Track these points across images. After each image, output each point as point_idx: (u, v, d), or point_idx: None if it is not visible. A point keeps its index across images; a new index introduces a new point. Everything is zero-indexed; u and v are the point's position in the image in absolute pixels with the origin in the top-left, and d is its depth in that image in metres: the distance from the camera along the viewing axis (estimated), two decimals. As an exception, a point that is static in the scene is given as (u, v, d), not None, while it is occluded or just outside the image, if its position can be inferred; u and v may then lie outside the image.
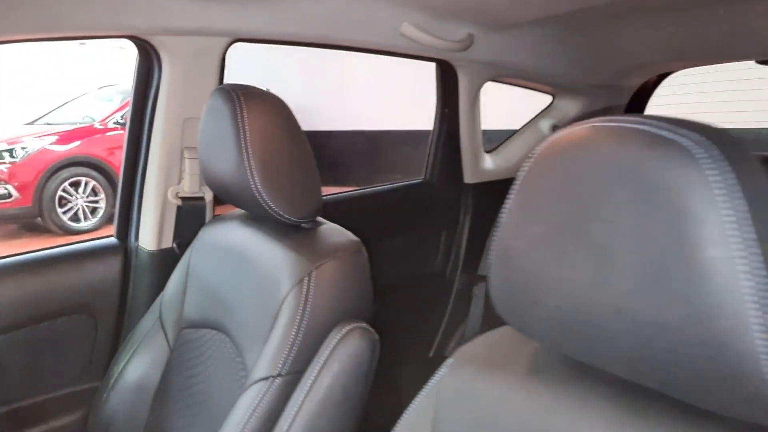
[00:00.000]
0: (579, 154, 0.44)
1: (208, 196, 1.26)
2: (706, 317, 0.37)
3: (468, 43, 1.42)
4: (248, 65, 7.09)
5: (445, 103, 1.69)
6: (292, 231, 0.96)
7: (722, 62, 1.77)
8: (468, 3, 1.30)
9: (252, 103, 0.91)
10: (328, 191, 1.65)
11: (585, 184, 0.43)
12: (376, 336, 0.86)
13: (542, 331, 0.49)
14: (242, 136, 0.89)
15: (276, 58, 7.14)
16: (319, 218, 1.01)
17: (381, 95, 6.72)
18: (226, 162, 0.92)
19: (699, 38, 1.51)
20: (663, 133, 0.40)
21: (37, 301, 1.16)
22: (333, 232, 0.97)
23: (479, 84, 1.67)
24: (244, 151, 0.89)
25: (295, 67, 7.12)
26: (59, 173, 5.33)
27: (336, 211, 1.34)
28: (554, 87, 1.89)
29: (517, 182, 0.49)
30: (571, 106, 1.92)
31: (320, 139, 7.50)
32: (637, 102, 1.96)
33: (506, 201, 0.50)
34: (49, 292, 1.18)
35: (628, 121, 0.43)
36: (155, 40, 1.12)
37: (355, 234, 0.97)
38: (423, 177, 1.77)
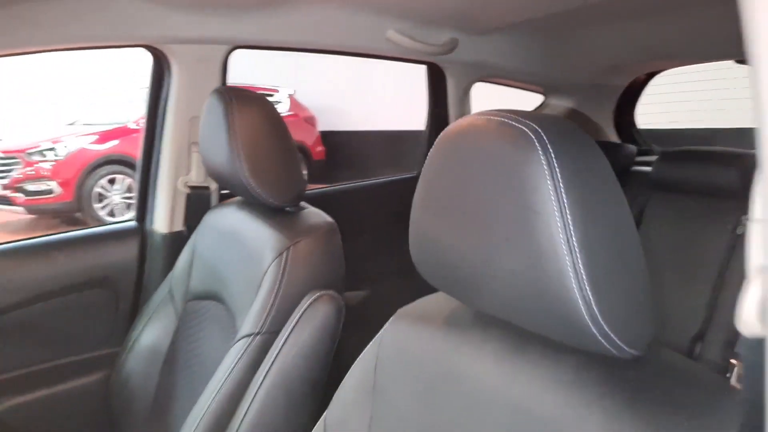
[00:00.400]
0: (459, 142, 0.57)
1: (213, 185, 1.42)
2: (538, 263, 0.48)
3: (450, 46, 1.55)
4: (277, 69, 7.31)
5: (435, 103, 1.81)
6: (277, 214, 1.10)
7: (704, 62, 1.85)
8: (448, 11, 1.42)
9: (242, 104, 1.06)
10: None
11: (463, 165, 0.56)
12: (342, 302, 0.99)
13: (449, 286, 0.61)
14: (232, 132, 1.04)
15: (303, 62, 7.35)
16: (303, 204, 1.16)
17: (404, 96, 6.83)
18: (220, 154, 1.07)
19: (678, 39, 1.59)
20: (513, 123, 0.52)
21: (66, 275, 1.34)
22: (312, 214, 1.12)
23: (467, 84, 1.78)
24: (234, 144, 1.04)
25: (321, 70, 7.31)
26: (97, 170, 5.65)
27: (334, 202, 1.48)
28: (543, 87, 1.99)
29: (424, 166, 0.62)
30: (560, 105, 2.02)
31: (344, 139, 7.70)
32: (627, 100, 2.04)
33: (418, 183, 0.63)
34: (77, 267, 1.36)
35: (494, 114, 0.55)
36: (165, 48, 1.29)
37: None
38: (416, 172, 1.90)
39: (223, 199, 1.45)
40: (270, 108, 1.10)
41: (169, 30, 1.23)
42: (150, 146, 1.42)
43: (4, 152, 5.77)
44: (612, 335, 0.47)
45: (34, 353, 1.32)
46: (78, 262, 1.37)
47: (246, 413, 0.92)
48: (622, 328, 0.48)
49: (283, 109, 7.15)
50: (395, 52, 1.53)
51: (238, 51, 1.37)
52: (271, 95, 6.94)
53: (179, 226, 1.41)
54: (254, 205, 1.15)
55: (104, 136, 5.83)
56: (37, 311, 1.31)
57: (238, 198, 1.23)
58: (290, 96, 7.29)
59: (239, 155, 1.04)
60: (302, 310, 0.96)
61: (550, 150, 0.48)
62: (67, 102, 7.68)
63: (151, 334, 1.26)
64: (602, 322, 0.47)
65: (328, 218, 1.10)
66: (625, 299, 0.48)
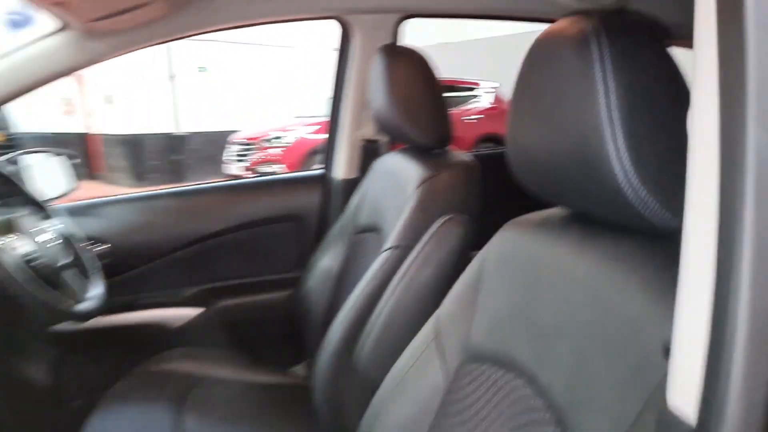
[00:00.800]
0: (537, 44, 0.65)
1: (383, 139, 1.63)
2: (585, 142, 0.55)
3: (621, 3, 1.52)
4: (485, 65, 7.47)
5: None
6: (425, 155, 1.26)
7: None
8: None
9: (398, 58, 1.23)
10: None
11: (538, 64, 0.64)
12: (470, 225, 1.10)
13: (532, 182, 0.70)
14: (389, 82, 1.22)
15: (508, 58, 7.38)
16: (449, 148, 1.29)
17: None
18: (381, 102, 1.25)
19: None
20: (577, 19, 0.59)
21: (269, 209, 1.68)
22: (455, 155, 1.25)
23: None
24: (390, 92, 1.21)
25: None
26: (315, 156, 6.46)
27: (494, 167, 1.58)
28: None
29: (517, 75, 0.71)
30: None
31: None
32: None
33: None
34: (276, 204, 1.69)
35: (567, 19, 0.62)
36: (349, 18, 1.53)
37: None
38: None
39: None
40: (422, 61, 1.26)
41: (352, 2, 1.47)
42: (336, 106, 1.69)
43: (248, 139, 6.92)
44: (651, 203, 0.52)
45: (243, 268, 1.68)
46: (277, 200, 1.70)
47: (382, 311, 1.09)
48: (664, 198, 0.52)
49: (484, 102, 7.30)
50: (562, 14, 1.56)
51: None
52: (471, 88, 7.15)
53: (354, 173, 1.66)
54: (410, 150, 1.32)
55: (325, 127, 6.60)
56: (246, 235, 1.66)
57: (399, 149, 1.42)
58: (494, 89, 7.42)
59: (393, 101, 1.21)
60: (434, 229, 1.09)
61: (605, 39, 0.55)
62: (300, 97, 8.86)
63: (327, 260, 1.50)
64: (641, 190, 0.52)
65: (467, 158, 1.22)
66: (668, 173, 0.53)
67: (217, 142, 7.92)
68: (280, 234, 1.69)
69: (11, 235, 1.13)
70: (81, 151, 8.60)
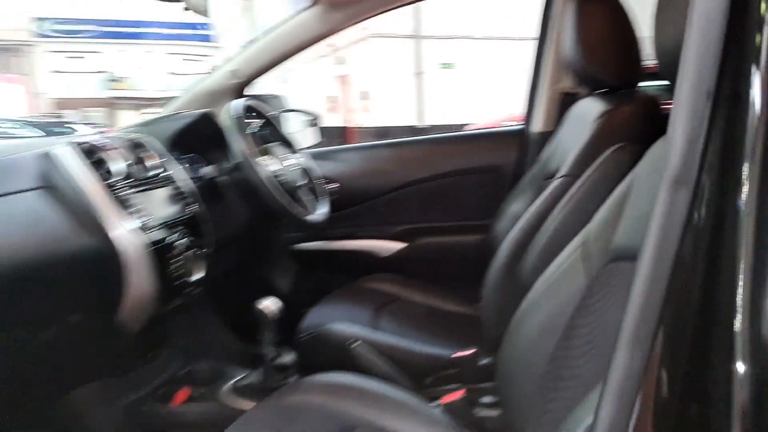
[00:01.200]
0: None
1: (582, 92, 1.65)
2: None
3: None
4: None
5: None
6: (612, 94, 1.28)
7: None
8: None
9: (588, 2, 1.28)
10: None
11: None
12: (638, 155, 1.10)
13: (669, 73, 0.74)
14: (577, 26, 1.27)
15: None
16: (637, 90, 1.28)
17: None
18: (570, 47, 1.31)
19: None
20: None
21: (470, 161, 1.84)
22: (639, 92, 1.25)
23: None
24: (577, 36, 1.26)
25: None
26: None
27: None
28: None
29: None
30: None
31: None
32: None
33: None
34: (477, 156, 1.85)
35: None
36: None
37: None
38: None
39: None
40: (614, 4, 1.28)
41: None
42: (537, 64, 1.77)
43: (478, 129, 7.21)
44: None
45: (444, 212, 1.88)
46: (478, 152, 1.86)
47: (546, 230, 1.17)
48: None
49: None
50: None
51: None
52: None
53: (551, 126, 1.72)
54: (599, 93, 1.35)
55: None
56: (448, 183, 1.86)
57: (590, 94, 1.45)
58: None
59: (582, 43, 1.26)
60: (604, 157, 1.13)
61: None
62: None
63: (515, 206, 1.60)
64: None
65: (644, 95, 1.21)
66: None
67: (453, 133, 8.36)
68: (479, 184, 1.84)
69: (266, 157, 1.50)
70: (341, 143, 9.87)
